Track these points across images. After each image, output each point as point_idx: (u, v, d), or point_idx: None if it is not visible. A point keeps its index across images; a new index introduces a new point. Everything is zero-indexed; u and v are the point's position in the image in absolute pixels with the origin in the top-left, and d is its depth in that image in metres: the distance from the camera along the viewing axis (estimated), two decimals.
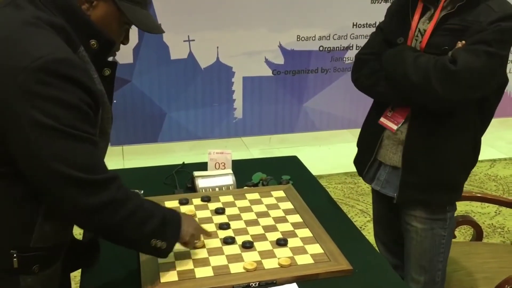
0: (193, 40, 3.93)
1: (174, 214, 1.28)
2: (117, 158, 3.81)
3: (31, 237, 1.12)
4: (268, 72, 4.18)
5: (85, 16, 1.12)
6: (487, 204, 3.15)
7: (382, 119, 1.68)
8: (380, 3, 4.10)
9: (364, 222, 3.11)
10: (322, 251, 1.42)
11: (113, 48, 1.19)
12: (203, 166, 1.94)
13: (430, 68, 1.47)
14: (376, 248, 1.55)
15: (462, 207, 3.17)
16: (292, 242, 1.47)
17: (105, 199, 1.08)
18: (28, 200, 1.10)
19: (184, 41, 3.92)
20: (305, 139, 4.26)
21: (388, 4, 1.78)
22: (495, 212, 3.20)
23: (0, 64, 1.01)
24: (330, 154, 4.04)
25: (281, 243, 1.45)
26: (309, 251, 1.43)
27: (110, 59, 1.24)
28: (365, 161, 1.77)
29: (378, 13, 3.98)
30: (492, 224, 3.09)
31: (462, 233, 2.93)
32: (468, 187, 3.44)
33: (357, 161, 1.85)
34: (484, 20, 1.46)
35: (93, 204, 1.07)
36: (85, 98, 1.04)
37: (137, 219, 1.16)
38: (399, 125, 1.63)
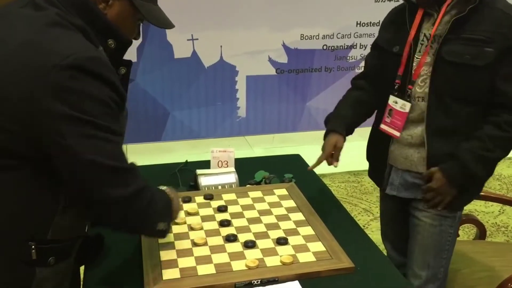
0: (197, 39, 3.93)
1: (164, 193, 1.30)
2: None
3: (48, 229, 1.14)
4: (271, 71, 4.18)
5: (103, 16, 1.14)
6: (491, 203, 3.14)
7: (383, 126, 1.70)
8: (384, 2, 4.09)
9: (367, 221, 3.10)
10: (324, 249, 1.42)
11: (129, 47, 1.22)
12: (206, 165, 1.94)
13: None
14: (378, 246, 1.54)
15: (466, 206, 3.16)
16: (294, 240, 1.47)
17: (136, 187, 1.12)
18: (48, 193, 1.12)
19: (188, 40, 3.92)
20: (308, 138, 4.24)
21: (393, 3, 1.79)
22: (499, 211, 3.19)
23: (28, 66, 1.03)
24: None
25: (281, 242, 1.45)
26: (311, 249, 1.43)
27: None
28: (381, 170, 1.77)
29: (382, 12, 3.96)
30: (496, 223, 3.09)
31: (466, 232, 2.92)
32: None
33: (372, 174, 1.85)
34: (508, 31, 1.44)
35: (126, 192, 1.10)
36: (112, 96, 1.07)
37: (154, 209, 1.19)
38: (402, 130, 1.64)
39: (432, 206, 1.62)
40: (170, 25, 1.29)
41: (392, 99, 1.66)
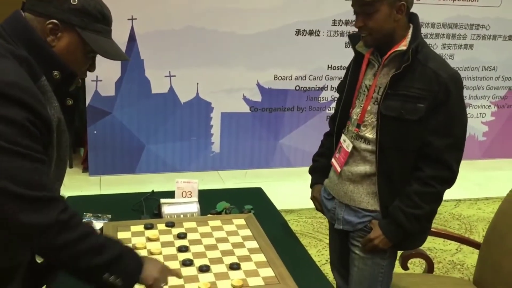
0: (174, 75, 4.09)
1: (134, 253, 1.25)
2: (95, 188, 3.89)
3: None
4: (246, 108, 4.34)
5: (48, 48, 1.19)
6: (449, 242, 3.27)
7: (332, 160, 1.87)
8: None
9: None
10: (273, 274, 1.53)
11: (75, 79, 1.25)
12: (171, 195, 2.05)
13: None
14: (327, 275, 1.65)
15: (426, 243, 3.27)
16: (246, 265, 1.58)
17: (47, 219, 1.06)
18: None
19: (165, 76, 4.08)
20: (279, 174, 4.38)
21: None
22: (456, 250, 3.33)
23: None
24: (303, 189, 4.15)
25: (234, 267, 1.56)
26: (261, 274, 1.54)
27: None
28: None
29: (351, 57, 4.22)
30: (453, 260, 3.22)
31: (417, 265, 3.04)
32: (432, 224, 3.56)
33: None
34: (438, 89, 1.60)
35: (34, 222, 1.05)
36: (31, 119, 1.06)
37: (85, 247, 1.12)
38: (344, 166, 1.79)
39: (366, 250, 1.77)
40: (122, 57, 1.31)
41: (343, 137, 1.82)
